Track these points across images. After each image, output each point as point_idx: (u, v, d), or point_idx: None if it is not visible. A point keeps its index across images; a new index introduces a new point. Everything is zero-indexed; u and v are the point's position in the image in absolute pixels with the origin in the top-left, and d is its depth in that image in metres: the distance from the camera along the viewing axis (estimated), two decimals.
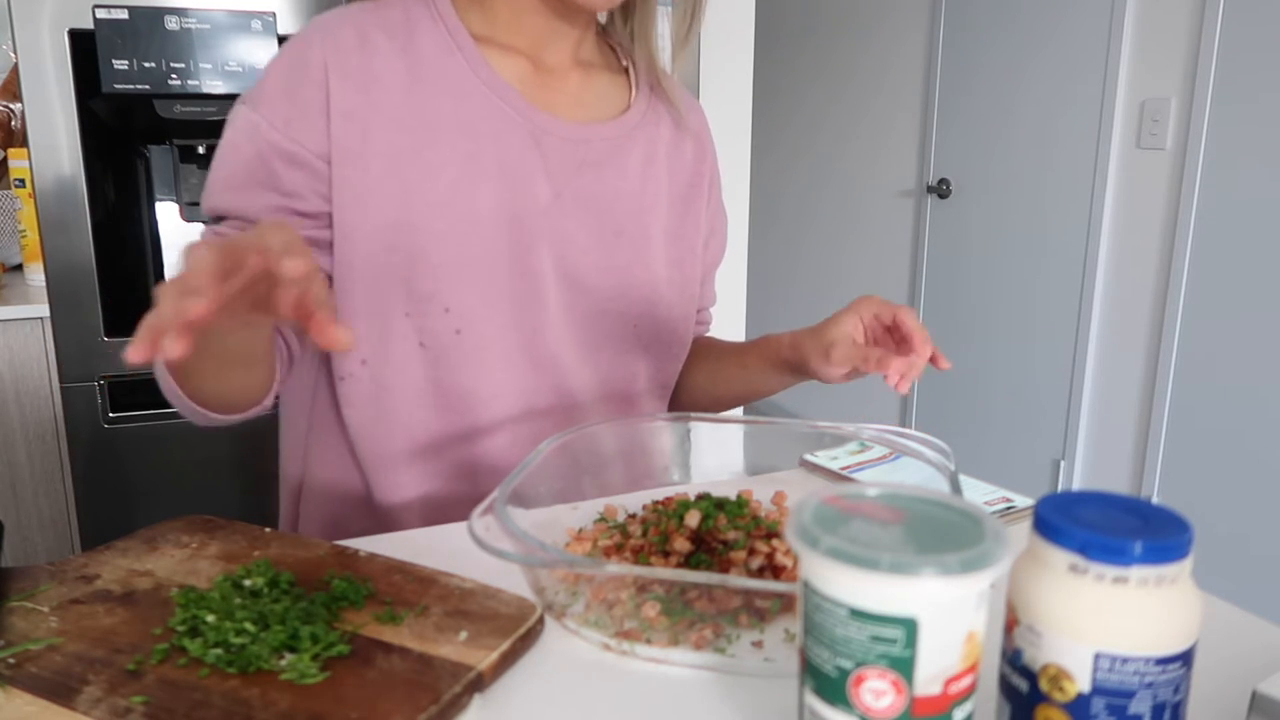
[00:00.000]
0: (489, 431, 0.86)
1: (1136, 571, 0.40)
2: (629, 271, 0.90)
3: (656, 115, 0.94)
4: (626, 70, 0.95)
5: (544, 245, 0.85)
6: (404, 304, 0.82)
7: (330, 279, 0.82)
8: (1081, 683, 0.41)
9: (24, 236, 1.96)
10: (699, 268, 0.97)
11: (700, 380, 1.00)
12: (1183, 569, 0.41)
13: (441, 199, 0.80)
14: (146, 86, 1.55)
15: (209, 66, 1.58)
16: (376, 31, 0.81)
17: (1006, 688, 0.44)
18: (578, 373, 0.89)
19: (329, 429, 0.88)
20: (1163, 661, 0.40)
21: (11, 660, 0.53)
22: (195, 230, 1.82)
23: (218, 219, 0.82)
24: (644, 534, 0.67)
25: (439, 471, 0.87)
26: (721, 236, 1.03)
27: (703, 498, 0.71)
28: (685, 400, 1.01)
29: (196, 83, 1.57)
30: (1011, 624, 0.44)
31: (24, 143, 1.78)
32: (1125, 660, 0.40)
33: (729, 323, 2.20)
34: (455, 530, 0.72)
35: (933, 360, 0.77)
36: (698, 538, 0.65)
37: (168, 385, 0.75)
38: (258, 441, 1.76)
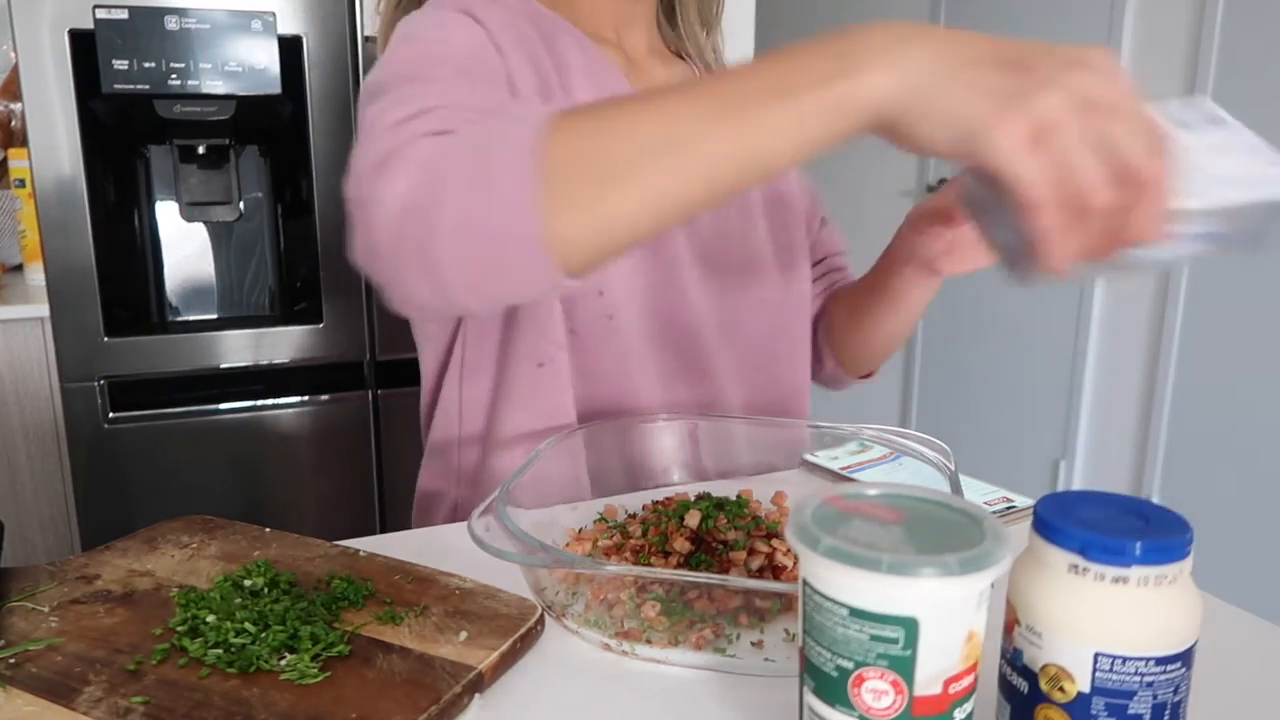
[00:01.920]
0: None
1: (1136, 571, 0.40)
2: (744, 245, 0.90)
3: None
4: (680, 57, 0.96)
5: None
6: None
7: None
8: (1081, 683, 0.41)
9: (24, 236, 1.96)
10: (802, 227, 0.97)
11: (850, 331, 0.98)
12: (1183, 569, 0.41)
13: None
14: (146, 86, 1.55)
15: (209, 66, 1.58)
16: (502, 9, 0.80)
17: (1006, 688, 0.44)
18: (713, 356, 0.89)
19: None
20: (1163, 661, 0.40)
21: (11, 660, 0.53)
22: (195, 230, 1.82)
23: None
24: (644, 534, 0.67)
25: None
26: (808, 184, 1.02)
27: (703, 498, 0.71)
28: (846, 355, 1.00)
29: (196, 83, 1.57)
30: (1011, 624, 0.44)
31: (24, 143, 1.78)
32: (1125, 660, 0.40)
33: None
34: (455, 530, 0.72)
35: None
36: (698, 538, 0.65)
37: (504, 209, 0.49)
38: (259, 441, 1.76)
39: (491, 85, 0.72)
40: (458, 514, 0.92)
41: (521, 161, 0.48)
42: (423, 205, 0.51)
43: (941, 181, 3.05)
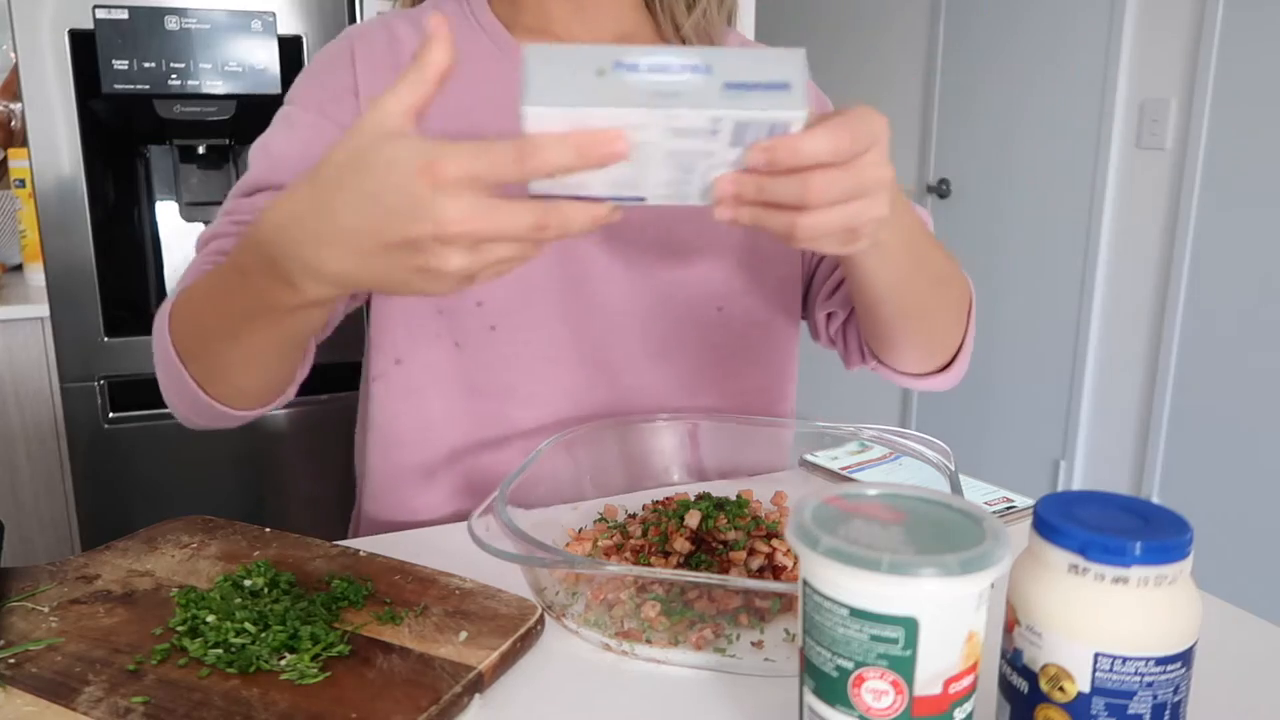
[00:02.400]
0: (529, 440, 0.82)
1: (1136, 571, 0.40)
2: (697, 248, 0.82)
3: None
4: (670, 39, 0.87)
5: None
6: (435, 300, 0.79)
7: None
8: (1081, 683, 0.41)
9: (24, 236, 1.96)
10: None
11: (863, 327, 0.80)
12: (1183, 569, 0.41)
13: None
14: (146, 86, 1.55)
15: (209, 66, 1.57)
16: (402, 24, 0.81)
17: (1006, 688, 0.44)
18: (644, 371, 0.84)
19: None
20: (1163, 661, 0.40)
21: (11, 660, 0.53)
22: (195, 230, 1.82)
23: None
24: (644, 534, 0.67)
25: (462, 487, 0.84)
26: None
27: (703, 498, 0.71)
28: (882, 353, 0.80)
29: (196, 83, 1.57)
30: (1011, 624, 0.44)
31: (24, 143, 1.78)
32: (1125, 660, 0.40)
33: None
34: (455, 530, 0.72)
35: None
36: (698, 538, 0.65)
37: (177, 381, 0.68)
38: (258, 442, 1.76)
39: (305, 149, 0.78)
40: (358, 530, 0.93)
41: (167, 346, 0.67)
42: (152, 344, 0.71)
43: (942, 180, 3.05)
